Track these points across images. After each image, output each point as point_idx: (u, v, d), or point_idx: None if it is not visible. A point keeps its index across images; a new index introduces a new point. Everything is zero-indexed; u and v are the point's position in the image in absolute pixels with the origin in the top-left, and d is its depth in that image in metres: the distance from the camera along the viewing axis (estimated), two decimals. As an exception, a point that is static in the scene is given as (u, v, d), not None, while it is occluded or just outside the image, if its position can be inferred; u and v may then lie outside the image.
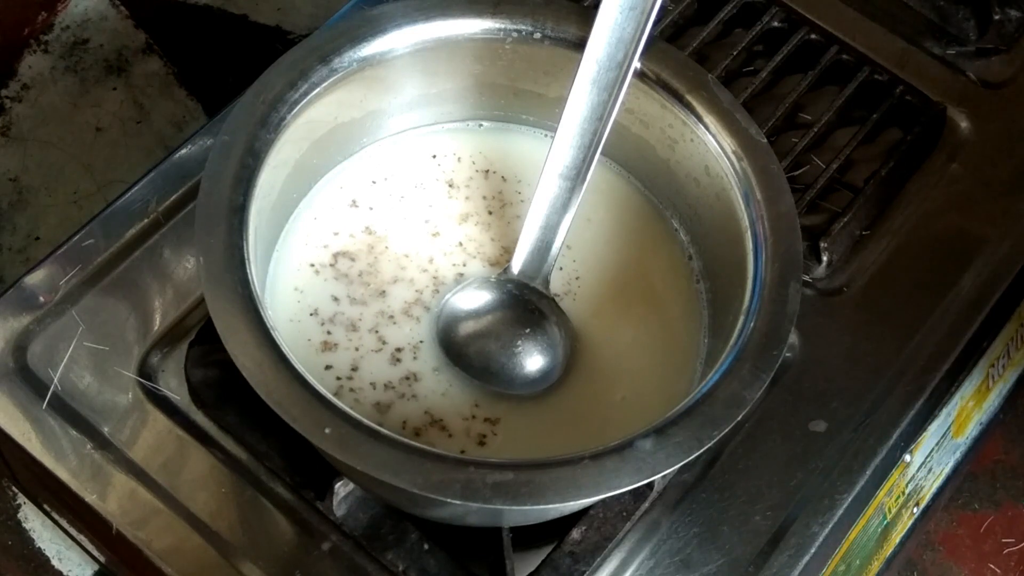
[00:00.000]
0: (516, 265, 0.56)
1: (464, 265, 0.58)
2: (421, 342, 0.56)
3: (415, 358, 0.55)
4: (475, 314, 0.56)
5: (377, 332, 0.56)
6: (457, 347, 0.55)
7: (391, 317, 0.56)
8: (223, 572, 0.55)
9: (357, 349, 0.55)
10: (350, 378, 0.54)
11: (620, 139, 0.59)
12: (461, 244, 0.59)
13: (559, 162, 0.55)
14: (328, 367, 0.54)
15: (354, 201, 0.59)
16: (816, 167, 0.68)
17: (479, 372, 0.55)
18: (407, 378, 0.54)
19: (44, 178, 0.84)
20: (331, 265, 0.57)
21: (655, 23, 0.52)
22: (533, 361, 0.55)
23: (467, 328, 0.56)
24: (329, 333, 0.55)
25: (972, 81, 0.73)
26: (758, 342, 0.50)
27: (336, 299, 0.56)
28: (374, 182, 0.60)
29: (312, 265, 0.57)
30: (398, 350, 0.55)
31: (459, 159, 0.61)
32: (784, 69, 0.72)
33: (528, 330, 0.55)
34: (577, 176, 0.55)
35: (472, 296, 0.56)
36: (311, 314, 0.56)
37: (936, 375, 0.63)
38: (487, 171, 0.61)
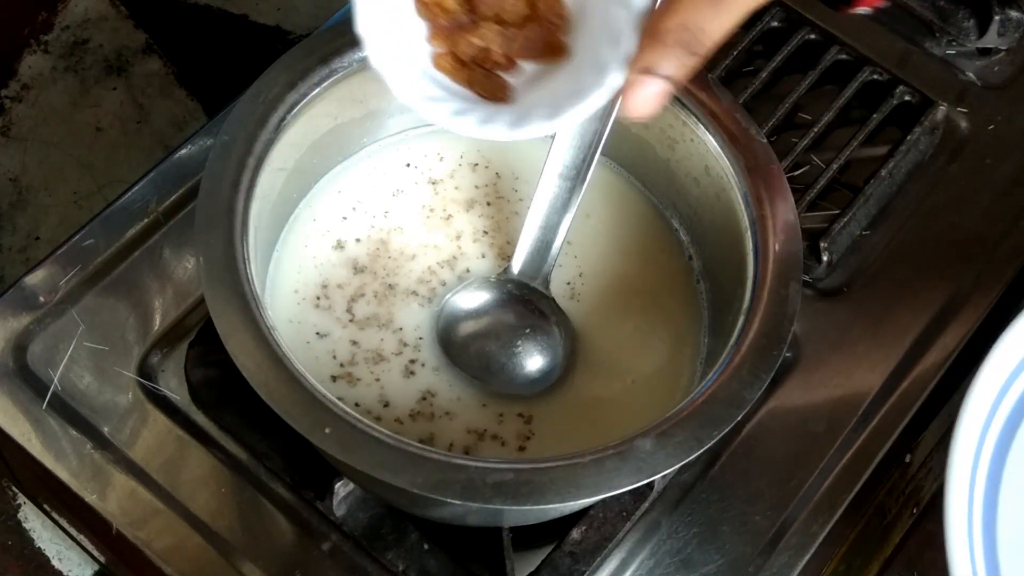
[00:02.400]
0: (516, 265, 0.56)
1: (482, 256, 0.59)
2: (421, 338, 0.56)
3: (423, 364, 0.55)
4: (475, 314, 0.56)
5: (401, 330, 0.56)
6: (457, 347, 0.55)
7: (413, 293, 0.57)
8: (223, 572, 0.55)
9: (378, 379, 0.55)
10: (379, 418, 0.54)
11: (620, 139, 0.59)
12: (486, 232, 0.59)
13: (559, 162, 0.55)
14: (356, 404, 0.54)
15: (339, 243, 0.58)
16: (816, 167, 0.68)
17: (479, 372, 0.55)
18: (425, 398, 0.54)
19: (44, 178, 0.84)
20: (351, 320, 0.56)
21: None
22: (533, 361, 0.55)
23: (467, 328, 0.56)
24: (345, 368, 0.55)
25: (972, 81, 0.73)
26: (758, 342, 0.50)
27: (356, 343, 0.56)
28: (344, 218, 0.59)
29: (318, 305, 0.57)
30: (412, 361, 0.55)
31: (441, 158, 0.61)
32: (784, 69, 0.72)
33: (528, 330, 0.55)
34: (577, 176, 0.55)
35: (472, 296, 0.56)
36: (322, 343, 0.56)
37: (936, 375, 0.63)
38: (475, 164, 0.61)
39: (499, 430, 0.54)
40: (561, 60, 0.50)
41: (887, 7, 0.73)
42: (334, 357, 0.55)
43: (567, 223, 0.55)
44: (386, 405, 0.54)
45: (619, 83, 0.46)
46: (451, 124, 0.48)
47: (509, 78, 0.50)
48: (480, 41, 0.49)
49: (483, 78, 0.49)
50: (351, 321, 0.56)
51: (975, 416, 0.58)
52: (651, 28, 0.45)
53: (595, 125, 0.53)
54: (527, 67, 0.50)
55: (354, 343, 0.55)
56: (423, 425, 0.54)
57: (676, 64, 0.44)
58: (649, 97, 0.45)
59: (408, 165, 0.61)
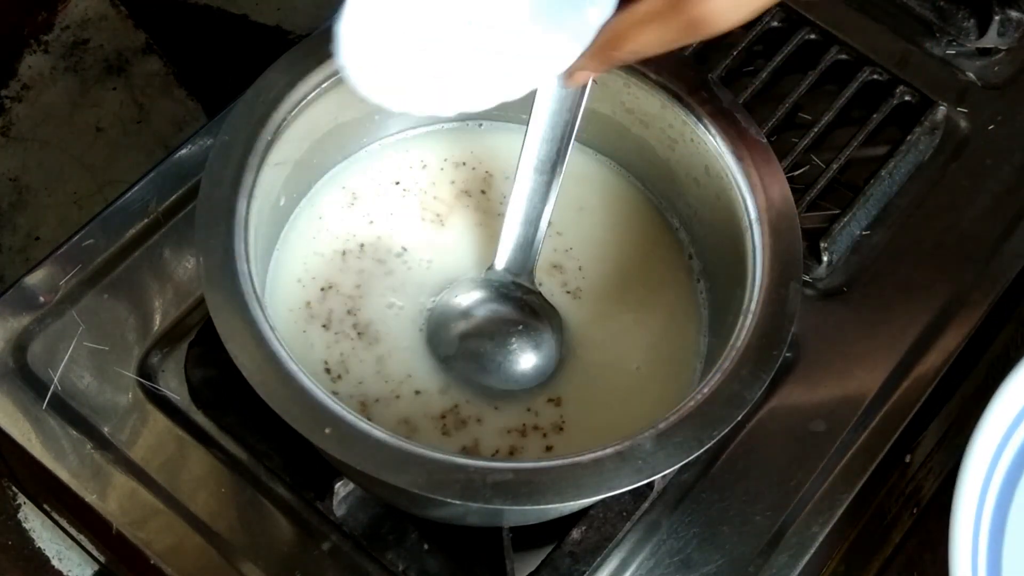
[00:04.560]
0: (500, 262, 0.56)
1: (477, 255, 0.59)
2: (419, 328, 0.56)
3: (420, 364, 0.55)
4: (463, 315, 0.56)
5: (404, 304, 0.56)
6: (450, 348, 0.55)
7: (410, 290, 0.57)
8: (223, 572, 0.55)
9: (398, 397, 0.55)
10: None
11: (620, 139, 0.59)
12: (483, 229, 0.59)
13: (532, 156, 0.55)
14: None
15: (338, 250, 0.58)
16: (816, 167, 0.68)
17: (476, 371, 0.55)
18: (444, 415, 0.54)
19: (44, 178, 0.84)
20: (367, 345, 0.56)
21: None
22: (527, 358, 0.55)
23: (457, 328, 0.56)
24: (371, 396, 0.55)
25: (972, 81, 0.73)
26: (758, 342, 0.50)
27: (379, 372, 0.55)
28: (343, 219, 0.59)
29: (327, 327, 0.56)
30: (412, 365, 0.55)
31: (442, 158, 0.61)
32: (784, 69, 0.71)
33: (519, 327, 0.55)
34: (552, 169, 0.54)
35: (459, 296, 0.56)
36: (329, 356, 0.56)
37: (936, 375, 0.63)
38: (462, 164, 0.61)
39: (538, 421, 0.54)
40: None
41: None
42: (339, 372, 0.55)
43: (547, 216, 0.55)
44: (415, 430, 0.54)
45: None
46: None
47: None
48: None
49: None
50: (367, 346, 0.56)
51: (988, 439, 0.58)
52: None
53: (566, 117, 0.53)
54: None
55: (378, 372, 0.55)
56: (459, 435, 0.54)
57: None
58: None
59: (407, 166, 0.61)
